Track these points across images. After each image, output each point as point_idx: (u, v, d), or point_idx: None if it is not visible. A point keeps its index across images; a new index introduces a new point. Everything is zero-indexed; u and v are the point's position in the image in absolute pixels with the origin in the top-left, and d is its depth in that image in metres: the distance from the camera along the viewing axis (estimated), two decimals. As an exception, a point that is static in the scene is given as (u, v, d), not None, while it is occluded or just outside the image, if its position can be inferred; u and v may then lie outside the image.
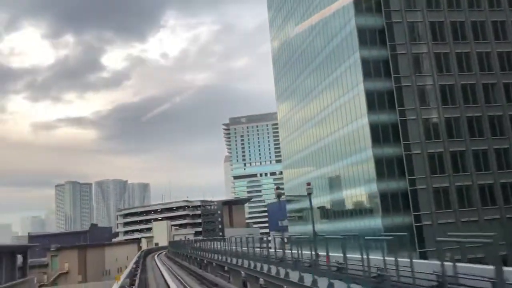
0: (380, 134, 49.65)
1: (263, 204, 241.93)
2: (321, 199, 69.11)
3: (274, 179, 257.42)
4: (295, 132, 78.94)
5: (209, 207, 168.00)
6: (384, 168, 48.85)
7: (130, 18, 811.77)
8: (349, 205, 57.66)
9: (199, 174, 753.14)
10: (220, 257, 35.56)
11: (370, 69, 50.91)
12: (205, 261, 43.80)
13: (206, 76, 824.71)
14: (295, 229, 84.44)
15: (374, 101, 50.14)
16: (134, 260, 43.39)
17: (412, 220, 47.29)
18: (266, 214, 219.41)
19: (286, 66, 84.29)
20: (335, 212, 62.34)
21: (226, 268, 32.51)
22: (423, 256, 41.17)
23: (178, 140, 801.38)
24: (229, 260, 32.15)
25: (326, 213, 66.02)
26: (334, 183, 62.54)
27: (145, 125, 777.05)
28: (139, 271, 31.37)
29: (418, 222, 47.30)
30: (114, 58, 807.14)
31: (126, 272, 24.05)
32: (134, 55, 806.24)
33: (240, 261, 28.59)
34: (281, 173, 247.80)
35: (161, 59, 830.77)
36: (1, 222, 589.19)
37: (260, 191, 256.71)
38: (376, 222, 47.73)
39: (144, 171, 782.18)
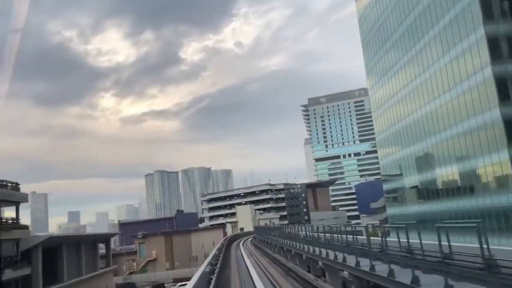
0: (508, 89, 39.36)
1: (347, 186, 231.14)
2: (421, 176, 59.43)
3: (358, 160, 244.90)
4: (389, 101, 69.15)
5: (292, 190, 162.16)
6: (517, 131, 38.66)
7: (204, 10, 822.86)
8: (465, 181, 47.69)
9: (280, 158, 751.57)
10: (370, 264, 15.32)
11: (491, 8, 40.52)
12: (320, 263, 24.68)
13: (280, 61, 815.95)
14: (392, 212, 75.42)
15: (500, 48, 39.84)
16: (211, 255, 33.93)
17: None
18: (351, 196, 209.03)
19: (373, 29, 74.38)
20: (445, 191, 52.39)
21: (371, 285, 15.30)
22: None
23: (256, 125, 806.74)
24: (400, 277, 12.76)
25: (433, 193, 56.20)
26: (440, 156, 52.69)
27: (224, 113, 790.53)
28: (216, 273, 22.71)
29: None
30: (191, 51, 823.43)
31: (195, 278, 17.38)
32: (210, 46, 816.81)
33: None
34: (366, 153, 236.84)
35: (235, 48, 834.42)
36: (99, 211, 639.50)
37: (343, 173, 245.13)
38: (510, 199, 37.90)
39: (226, 157, 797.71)
